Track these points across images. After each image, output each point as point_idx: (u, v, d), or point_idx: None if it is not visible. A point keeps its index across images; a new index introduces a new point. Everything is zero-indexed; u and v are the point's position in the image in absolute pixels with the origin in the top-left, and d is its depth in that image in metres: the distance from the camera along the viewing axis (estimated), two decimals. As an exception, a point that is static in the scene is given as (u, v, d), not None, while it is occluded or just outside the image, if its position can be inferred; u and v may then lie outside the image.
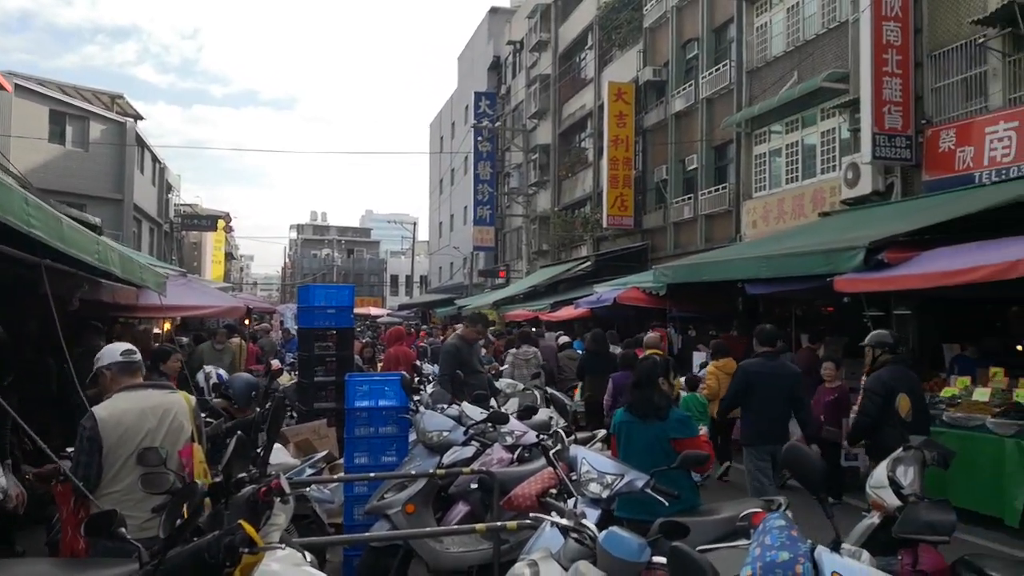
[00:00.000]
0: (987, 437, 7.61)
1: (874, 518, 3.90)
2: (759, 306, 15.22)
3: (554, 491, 3.85)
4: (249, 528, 2.59)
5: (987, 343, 10.47)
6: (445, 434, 5.91)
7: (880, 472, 3.98)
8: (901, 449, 4.13)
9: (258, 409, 6.19)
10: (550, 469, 3.97)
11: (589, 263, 22.87)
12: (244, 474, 3.44)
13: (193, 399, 4.24)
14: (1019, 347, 10.04)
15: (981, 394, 8.17)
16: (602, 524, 4.04)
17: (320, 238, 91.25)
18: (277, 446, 6.45)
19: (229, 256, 64.70)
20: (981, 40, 11.41)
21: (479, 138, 33.21)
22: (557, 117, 29.50)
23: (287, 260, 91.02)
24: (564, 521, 3.16)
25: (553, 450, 3.87)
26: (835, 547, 2.52)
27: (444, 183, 47.15)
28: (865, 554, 2.69)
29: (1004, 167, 10.86)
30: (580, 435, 6.82)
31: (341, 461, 6.75)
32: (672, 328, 14.67)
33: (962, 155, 11.70)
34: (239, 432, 3.51)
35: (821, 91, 14.28)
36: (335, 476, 6.12)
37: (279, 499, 3.31)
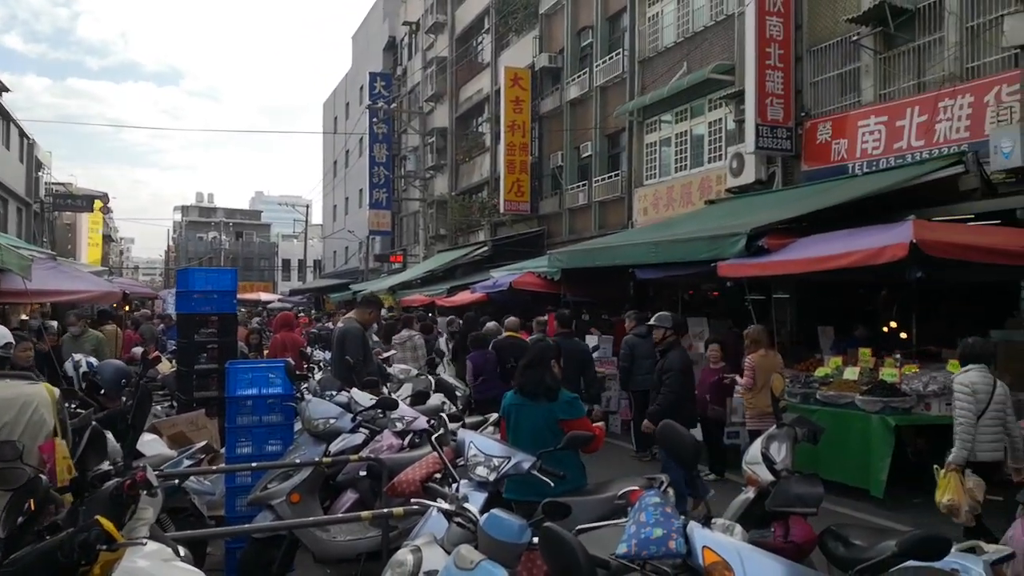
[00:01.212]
0: (855, 414, 8.06)
1: (749, 493, 4.05)
2: (649, 290, 15.64)
3: (438, 476, 3.81)
4: (107, 523, 2.41)
5: (860, 327, 11.15)
6: (332, 421, 5.76)
7: (755, 449, 4.14)
8: (775, 426, 4.31)
9: (127, 400, 5.85)
10: (435, 454, 3.91)
11: (486, 248, 22.90)
12: (110, 467, 3.24)
13: (56, 391, 3.94)
14: (885, 328, 10.67)
15: (851, 373, 8.66)
16: (489, 507, 4.04)
17: (207, 220, 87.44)
18: (153, 438, 6.14)
19: (107, 239, 61.27)
20: (855, 37, 12.03)
21: (374, 119, 32.59)
22: (454, 101, 29.31)
23: (171, 243, 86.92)
24: (446, 505, 3.12)
25: (436, 434, 3.81)
26: (706, 522, 2.59)
27: (339, 165, 46.12)
28: (737, 528, 2.77)
29: (874, 159, 11.53)
30: (472, 419, 6.80)
31: (224, 452, 6.48)
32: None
33: (837, 147, 12.34)
34: (94, 423, 3.28)
35: (709, 82, 14.73)
36: (215, 467, 5.86)
37: (146, 492, 3.12)
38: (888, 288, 11.96)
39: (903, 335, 10.35)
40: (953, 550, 2.91)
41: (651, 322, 8.07)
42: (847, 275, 9.23)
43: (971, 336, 5.98)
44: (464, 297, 18.04)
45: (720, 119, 15.41)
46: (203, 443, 6.00)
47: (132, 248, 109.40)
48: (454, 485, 3.96)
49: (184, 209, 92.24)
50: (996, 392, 5.57)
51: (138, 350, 11.90)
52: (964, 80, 10.39)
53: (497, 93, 23.74)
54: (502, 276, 16.12)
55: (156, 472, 3.87)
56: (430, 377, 9.50)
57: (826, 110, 12.79)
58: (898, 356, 8.69)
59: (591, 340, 13.27)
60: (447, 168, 29.54)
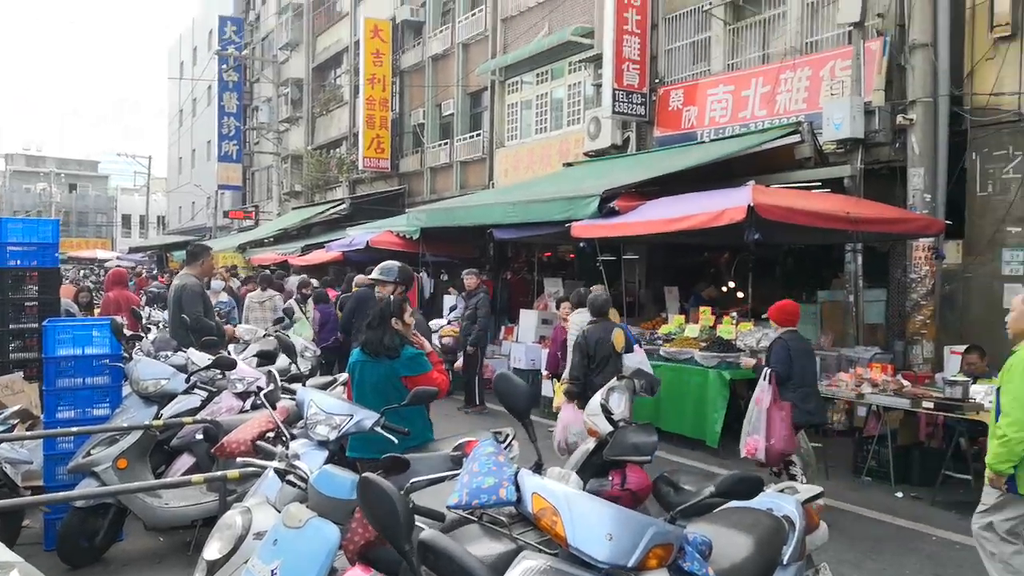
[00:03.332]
0: (695, 368, 8.49)
1: (589, 443, 4.15)
2: (508, 251, 15.78)
3: (271, 435, 3.64)
4: None
5: (704, 287, 11.74)
6: (163, 383, 5.44)
7: (594, 401, 4.24)
8: (615, 379, 4.44)
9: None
10: (266, 412, 3.74)
11: (344, 206, 22.28)
12: None
13: None
14: (724, 288, 11.27)
15: (692, 330, 9.10)
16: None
17: (35, 170, 79.90)
18: (-42, 403, 5.55)
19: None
20: (707, 7, 12.45)
21: (224, 67, 30.69)
22: (311, 50, 28.09)
23: (-6, 194, 78.95)
24: (277, 464, 2.99)
25: (264, 391, 3.64)
26: (537, 469, 2.60)
27: (184, 114, 43.31)
28: (573, 476, 2.80)
29: (721, 126, 12.03)
30: (322, 379, 6.61)
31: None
32: (425, 272, 14.77)
33: (688, 114, 12.79)
34: None
35: (569, 45, 14.84)
36: (29, 433, 5.38)
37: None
38: (730, 250, 12.64)
39: (740, 295, 10.96)
40: (769, 490, 3.10)
41: (374, 275, 6.27)
42: (695, 237, 9.64)
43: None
44: (319, 256, 17.50)
45: (579, 83, 15.60)
46: (16, 407, 5.48)
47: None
48: (294, 443, 3.82)
49: (9, 158, 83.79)
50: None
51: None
52: (804, 54, 11.00)
53: (356, 44, 22.94)
54: (359, 235, 15.74)
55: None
56: (285, 336, 9.15)
57: (678, 78, 13.21)
58: (734, 314, 9.19)
59: (449, 300, 13.26)
60: (303, 121, 28.37)
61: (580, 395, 6.35)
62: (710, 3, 12.35)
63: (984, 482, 4.40)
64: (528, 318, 11.60)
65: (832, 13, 10.37)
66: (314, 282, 13.15)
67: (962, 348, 7.77)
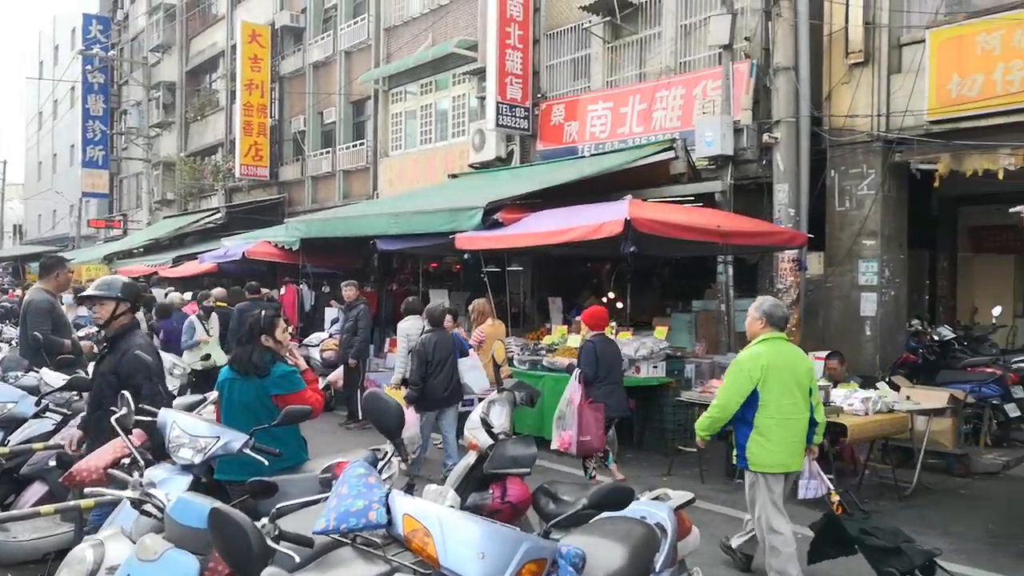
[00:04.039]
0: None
1: (470, 457, 4.11)
2: (393, 262, 15.56)
3: (126, 462, 3.41)
4: None
5: (586, 298, 11.92)
6: (10, 407, 5.01)
7: (475, 414, 4.21)
8: (496, 391, 4.42)
9: None
10: (120, 438, 3.50)
11: (220, 215, 21.44)
12: None
13: None
14: (605, 299, 11.51)
15: (574, 340, 9.22)
16: (199, 491, 3.70)
17: None
18: None
19: None
20: (587, 25, 12.76)
21: (89, 67, 28.91)
22: (184, 53, 26.88)
23: None
24: (131, 493, 2.79)
25: (117, 415, 3.41)
26: (409, 489, 2.54)
27: (45, 116, 40.50)
28: (450, 493, 2.76)
29: (601, 141, 12.35)
30: (189, 398, 6.27)
31: None
32: (305, 284, 14.35)
33: (569, 129, 13.05)
34: None
35: (453, 56, 14.85)
36: None
37: None
38: (611, 262, 12.96)
39: (620, 305, 11.24)
40: (643, 498, 3.16)
41: (89, 291, 5.00)
42: (577, 248, 9.81)
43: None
44: (191, 268, 16.71)
45: (464, 94, 15.64)
46: None
47: None
48: (153, 469, 3.58)
49: None
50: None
51: None
52: (678, 73, 11.44)
53: (233, 48, 22.14)
54: (235, 245, 15.13)
55: None
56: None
57: (560, 93, 13.47)
58: (614, 324, 9.39)
59: (331, 312, 12.93)
60: (176, 126, 27.09)
61: (418, 399, 7.02)
62: (590, 21, 12.66)
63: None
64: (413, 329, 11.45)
65: (704, 35, 10.84)
66: (176, 295, 12.46)
67: (824, 354, 8.23)
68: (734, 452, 5.04)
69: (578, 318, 9.93)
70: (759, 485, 4.81)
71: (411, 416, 6.71)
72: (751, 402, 4.72)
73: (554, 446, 6.76)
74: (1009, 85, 8.11)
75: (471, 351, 7.55)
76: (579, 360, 6.98)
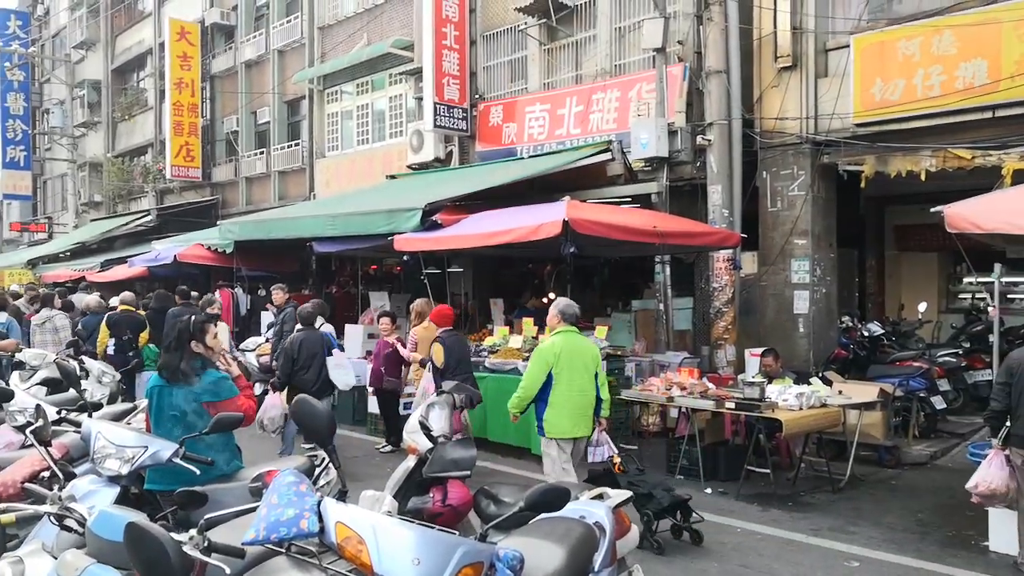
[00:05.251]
0: (518, 379, 8.51)
1: (410, 462, 4.06)
2: (332, 264, 15.33)
3: (46, 475, 3.25)
4: None
5: (528, 298, 11.95)
6: (-79, 418, 4.74)
7: (413, 418, 4.16)
8: (435, 394, 4.38)
9: None
10: (38, 451, 3.34)
11: (150, 217, 20.86)
12: None
13: None
14: (545, 300, 11.55)
15: (516, 341, 9.22)
16: (126, 502, 3.57)
17: None
18: None
19: None
20: (523, 27, 12.78)
21: (7, 64, 27.69)
22: (110, 50, 25.98)
23: None
24: (50, 508, 2.66)
25: (33, 427, 3.25)
26: (342, 496, 2.49)
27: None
28: (387, 498, 2.71)
29: (540, 143, 12.39)
30: (116, 407, 6.06)
31: None
32: (240, 287, 14.03)
33: (507, 130, 13.05)
34: None
35: (389, 56, 14.71)
36: None
37: None
38: (551, 262, 13.01)
39: (561, 305, 11.26)
40: (583, 498, 3.16)
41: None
42: (517, 249, 9.81)
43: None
44: (121, 272, 16.17)
45: (401, 95, 15.51)
46: None
47: None
48: (77, 482, 3.44)
49: None
50: None
51: None
52: (613, 76, 11.56)
53: (161, 46, 21.50)
54: (166, 248, 14.70)
55: None
56: (67, 362, 8.30)
57: (498, 94, 13.47)
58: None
59: (267, 316, 12.66)
60: (102, 126, 26.16)
61: (283, 387, 7.53)
62: (525, 23, 12.69)
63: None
64: (353, 333, 11.29)
65: (638, 38, 10.98)
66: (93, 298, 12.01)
67: (760, 351, 8.41)
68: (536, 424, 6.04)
69: (523, 319, 9.96)
70: (552, 448, 5.89)
71: (275, 398, 7.35)
72: (548, 382, 5.78)
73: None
74: (929, 89, 8.43)
75: (336, 350, 7.97)
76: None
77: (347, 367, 7.87)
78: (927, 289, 12.77)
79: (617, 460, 5.73)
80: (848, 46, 9.08)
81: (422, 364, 8.05)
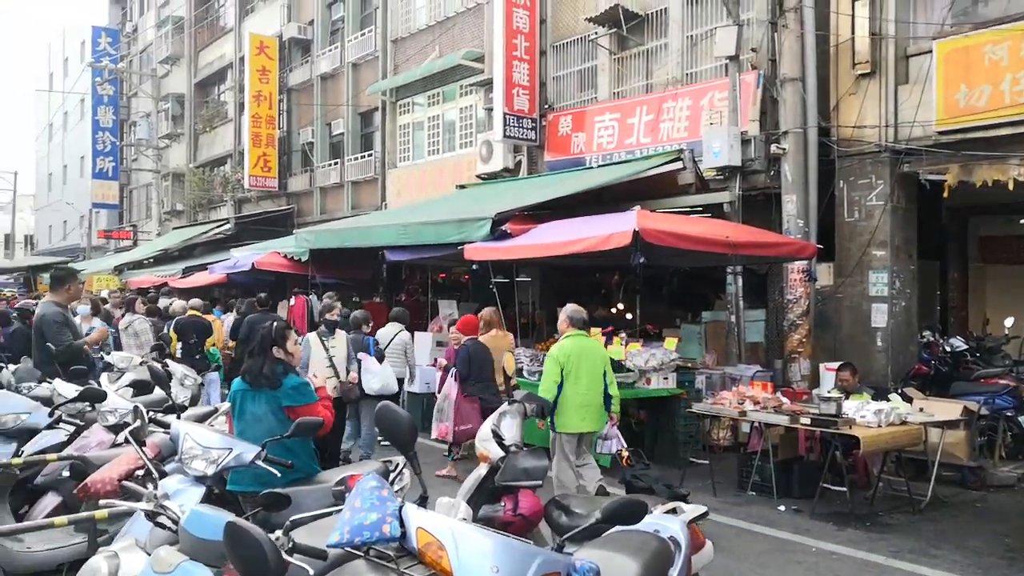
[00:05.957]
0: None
1: (481, 470, 4.09)
2: (402, 272, 15.59)
3: (140, 473, 3.42)
4: None
5: (595, 308, 11.89)
6: (23, 417, 5.03)
7: (485, 427, 4.19)
8: (506, 403, 4.42)
9: None
10: (133, 449, 3.51)
11: (229, 226, 21.56)
12: None
13: None
14: (614, 309, 11.51)
15: (583, 351, 9.20)
16: (211, 502, 3.71)
17: None
18: None
19: None
20: (593, 36, 12.80)
21: (98, 79, 29.15)
22: (193, 65, 27.09)
23: None
24: (145, 505, 2.79)
25: (131, 428, 3.42)
26: (422, 502, 2.54)
27: (55, 128, 40.83)
28: (462, 505, 2.75)
29: (608, 152, 12.36)
30: (200, 409, 6.29)
31: None
32: (315, 294, 14.38)
33: (576, 140, 13.07)
34: None
35: (460, 68, 14.92)
36: None
37: None
38: (619, 272, 12.95)
39: (629, 315, 11.22)
40: (656, 511, 3.15)
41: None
42: (584, 259, 9.82)
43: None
44: (201, 278, 16.78)
45: (471, 106, 15.70)
46: None
47: None
48: (166, 481, 3.60)
49: None
50: None
51: None
52: (685, 84, 11.46)
53: (241, 60, 22.30)
54: (244, 256, 15.18)
55: None
56: (156, 365, 8.67)
57: (567, 104, 13.50)
58: (623, 335, 9.38)
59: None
60: (185, 138, 27.27)
61: None
62: (596, 33, 12.70)
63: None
64: (422, 340, 11.45)
65: (710, 46, 10.85)
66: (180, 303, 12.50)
67: (836, 365, 8.19)
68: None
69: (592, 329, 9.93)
70: (559, 442, 6.39)
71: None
72: (560, 383, 6.23)
73: (433, 436, 7.81)
74: (1017, 96, 8.09)
75: (364, 355, 8.01)
76: (455, 361, 7.95)
77: (374, 372, 7.94)
78: (1014, 303, 12.18)
79: (625, 454, 6.23)
80: (931, 51, 8.79)
81: (445, 370, 8.27)
